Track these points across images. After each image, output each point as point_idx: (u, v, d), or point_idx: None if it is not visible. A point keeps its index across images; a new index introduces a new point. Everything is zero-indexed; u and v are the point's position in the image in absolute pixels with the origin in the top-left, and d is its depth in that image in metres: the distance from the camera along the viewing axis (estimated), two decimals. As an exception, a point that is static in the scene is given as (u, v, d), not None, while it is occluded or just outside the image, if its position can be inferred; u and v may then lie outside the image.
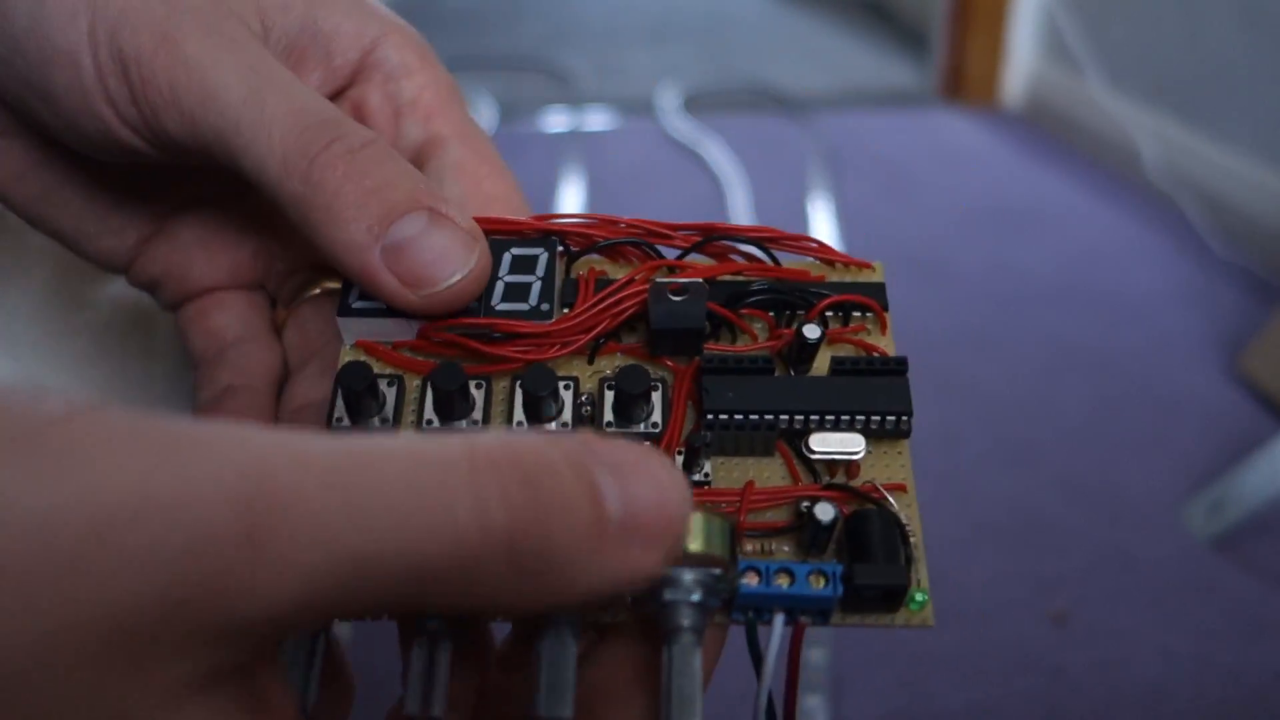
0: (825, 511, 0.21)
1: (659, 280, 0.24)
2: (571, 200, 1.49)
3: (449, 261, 0.22)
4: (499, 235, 0.25)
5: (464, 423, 0.23)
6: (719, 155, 1.60)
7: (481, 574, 0.16)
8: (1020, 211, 1.50)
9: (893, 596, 0.22)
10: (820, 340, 0.23)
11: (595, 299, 0.24)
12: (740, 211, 1.45)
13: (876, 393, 0.23)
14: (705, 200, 1.49)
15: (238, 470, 0.14)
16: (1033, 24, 1.82)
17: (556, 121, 1.77)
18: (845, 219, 1.44)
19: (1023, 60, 1.85)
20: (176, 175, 0.27)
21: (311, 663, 0.21)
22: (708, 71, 2.01)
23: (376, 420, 0.23)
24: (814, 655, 0.77)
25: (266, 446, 0.15)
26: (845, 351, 0.25)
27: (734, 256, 0.26)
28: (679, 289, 0.23)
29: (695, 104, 1.83)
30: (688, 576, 0.20)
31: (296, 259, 0.29)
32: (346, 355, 0.25)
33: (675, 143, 1.69)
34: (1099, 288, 1.30)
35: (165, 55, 0.22)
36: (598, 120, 1.79)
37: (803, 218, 1.44)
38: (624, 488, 0.17)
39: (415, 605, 0.16)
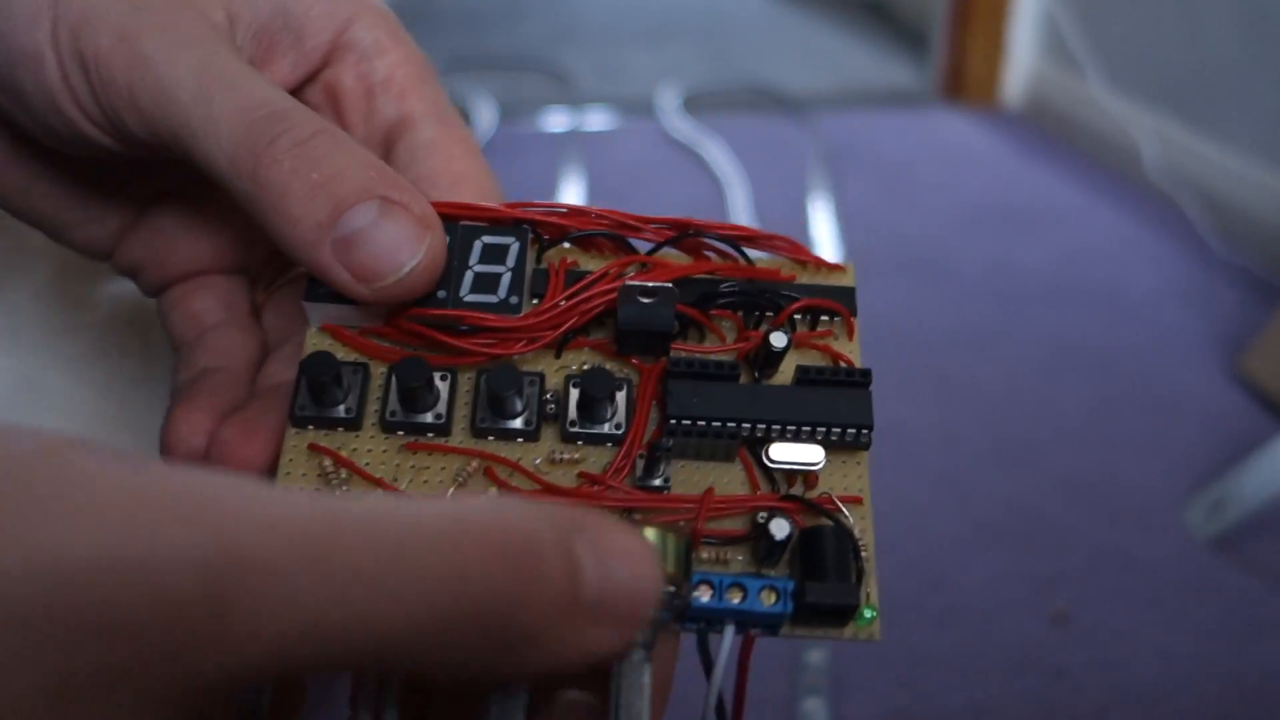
0: (780, 528, 0.21)
1: (629, 282, 0.24)
2: (571, 200, 1.49)
3: (399, 253, 0.22)
4: (471, 221, 0.25)
5: (429, 415, 0.23)
6: (719, 155, 1.60)
7: (450, 646, 0.15)
8: (1020, 211, 1.50)
9: (842, 613, 0.22)
10: (786, 348, 0.23)
11: (564, 295, 0.24)
12: (740, 211, 1.45)
13: (838, 405, 0.23)
14: (705, 200, 1.49)
15: (206, 532, 0.13)
16: (1033, 24, 1.82)
17: (556, 121, 1.77)
18: (845, 219, 1.44)
19: (1023, 60, 1.85)
20: (153, 166, 0.28)
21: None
22: (708, 71, 2.01)
23: (341, 409, 0.23)
24: (814, 656, 0.77)
25: (240, 505, 0.14)
26: (811, 358, 0.25)
27: (707, 253, 0.26)
28: (648, 291, 0.23)
29: (695, 104, 1.83)
30: None
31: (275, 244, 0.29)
32: (312, 339, 0.24)
33: (675, 143, 1.69)
34: (1099, 287, 1.30)
35: (123, 55, 0.22)
36: (598, 120, 1.79)
37: (803, 218, 1.44)
38: (602, 567, 0.17)
39: (377, 669, 0.16)
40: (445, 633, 0.15)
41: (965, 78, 1.88)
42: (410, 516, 0.15)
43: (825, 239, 1.38)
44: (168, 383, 0.35)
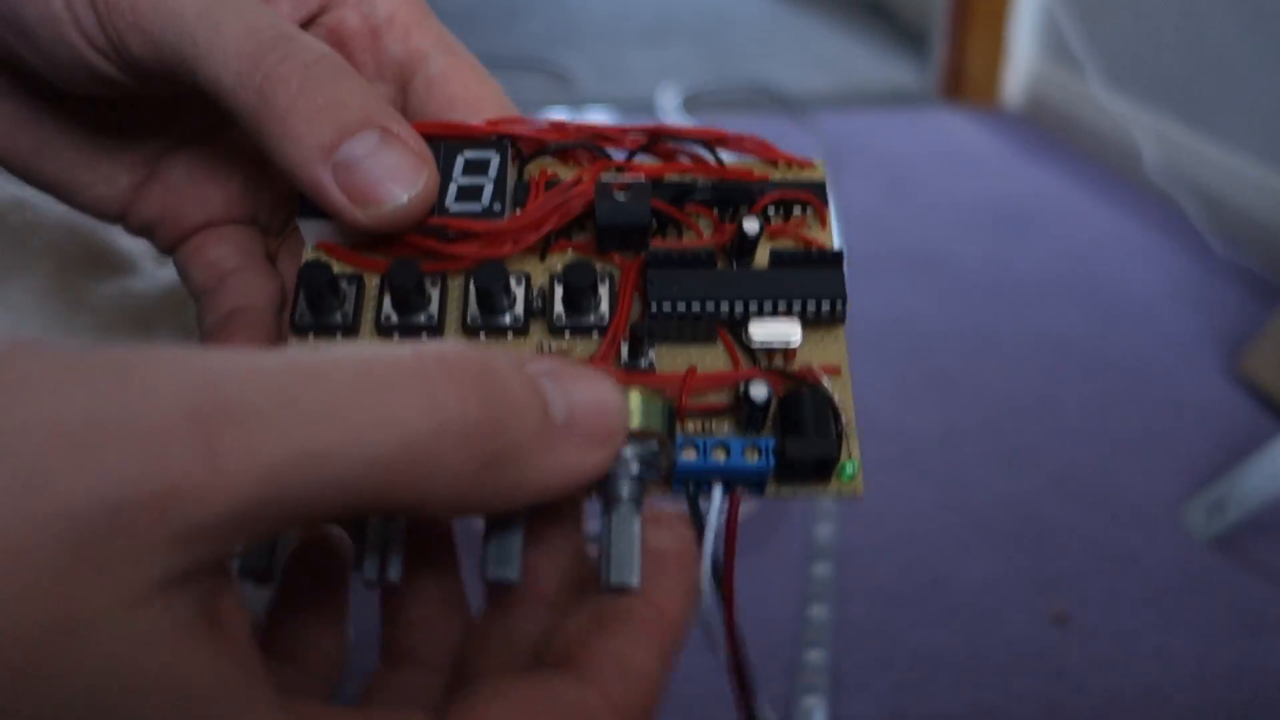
0: (759, 391, 0.22)
1: (604, 179, 0.25)
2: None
3: (398, 181, 0.23)
4: (452, 140, 0.25)
5: (421, 316, 0.24)
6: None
7: (437, 470, 0.16)
8: (1020, 211, 1.50)
9: (824, 467, 0.23)
10: (759, 234, 0.24)
11: (545, 198, 0.25)
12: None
13: (813, 282, 0.24)
14: (705, 200, 1.49)
15: (188, 385, 0.15)
16: (1033, 24, 1.82)
17: (556, 121, 1.77)
18: (845, 219, 1.44)
19: (1023, 60, 1.85)
20: (159, 114, 0.28)
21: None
22: (708, 71, 2.01)
23: (338, 315, 0.24)
24: (813, 656, 0.77)
25: (215, 361, 0.15)
26: (786, 246, 0.26)
27: (681, 158, 0.27)
28: (624, 187, 0.24)
29: (695, 104, 1.83)
30: (627, 451, 0.21)
31: (284, 190, 0.29)
32: (309, 257, 0.25)
33: (675, 143, 1.69)
34: (1099, 287, 1.30)
35: None
36: (598, 120, 1.78)
37: (803, 218, 1.44)
38: (566, 392, 0.18)
39: (374, 506, 0.16)
40: (426, 455, 0.16)
41: (965, 78, 1.88)
42: (380, 354, 0.17)
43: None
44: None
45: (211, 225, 0.29)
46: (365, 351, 0.17)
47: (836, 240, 0.27)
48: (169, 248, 0.30)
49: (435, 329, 0.24)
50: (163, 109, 0.28)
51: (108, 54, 0.23)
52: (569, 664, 0.20)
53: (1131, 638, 0.80)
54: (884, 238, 1.41)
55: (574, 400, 0.18)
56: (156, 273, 0.37)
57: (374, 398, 0.16)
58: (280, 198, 0.29)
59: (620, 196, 0.24)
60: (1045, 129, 1.77)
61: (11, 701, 0.14)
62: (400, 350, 0.17)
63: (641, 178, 0.25)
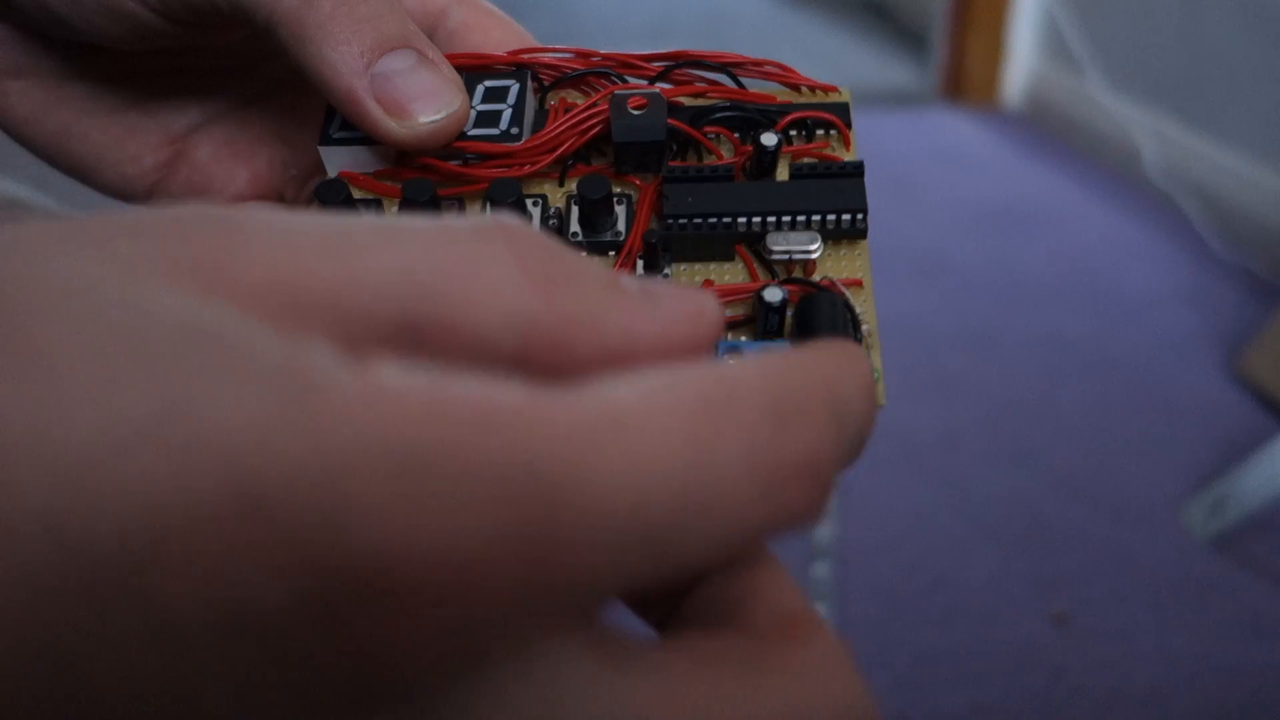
0: (773, 294, 0.22)
1: (618, 92, 0.24)
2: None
3: (436, 98, 0.23)
4: (472, 70, 0.26)
5: None
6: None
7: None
8: (1020, 211, 1.50)
9: None
10: (778, 147, 0.24)
11: (562, 119, 0.25)
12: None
13: (832, 193, 0.24)
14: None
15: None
16: (1033, 24, 1.82)
17: (556, 121, 1.77)
18: (845, 219, 1.44)
19: (1023, 60, 1.85)
20: (183, 89, 0.28)
21: None
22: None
23: None
24: (814, 655, 0.77)
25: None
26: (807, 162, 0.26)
27: (702, 85, 0.26)
28: (640, 103, 0.24)
29: (695, 104, 1.83)
30: None
31: (308, 166, 0.30)
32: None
33: (675, 143, 1.69)
34: (1099, 287, 1.30)
35: None
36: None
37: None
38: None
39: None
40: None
41: (965, 78, 1.88)
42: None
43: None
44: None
45: (239, 202, 0.29)
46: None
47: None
48: None
49: None
50: (187, 85, 0.28)
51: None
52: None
53: (1131, 638, 0.80)
54: (884, 238, 1.41)
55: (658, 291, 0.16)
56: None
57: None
58: (306, 174, 0.30)
59: (635, 111, 0.24)
60: (1045, 129, 1.77)
61: None
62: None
63: (656, 90, 0.24)
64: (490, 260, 0.14)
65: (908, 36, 2.22)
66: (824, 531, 0.88)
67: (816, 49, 2.20)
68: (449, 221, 0.14)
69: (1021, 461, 0.99)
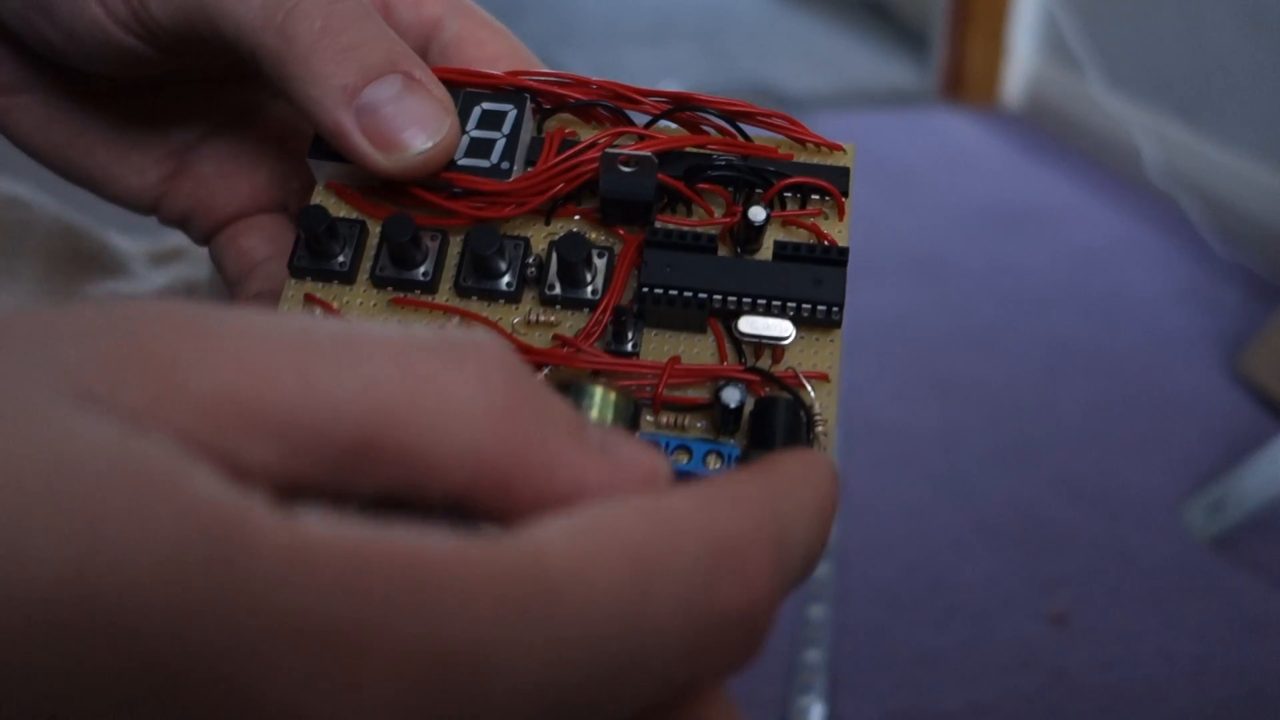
0: (731, 396, 0.21)
1: (610, 150, 0.24)
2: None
3: (422, 128, 0.22)
4: (471, 88, 0.25)
5: (416, 272, 0.24)
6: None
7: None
8: (1020, 211, 1.50)
9: None
10: (765, 223, 0.23)
11: (553, 161, 0.24)
12: (740, 211, 1.45)
13: (811, 281, 0.23)
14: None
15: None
16: (1033, 24, 1.82)
17: (556, 121, 1.77)
18: (845, 219, 1.44)
19: (1023, 60, 1.85)
20: (184, 106, 0.29)
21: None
22: (707, 71, 2.01)
23: (337, 262, 0.24)
24: (812, 655, 0.77)
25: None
26: (799, 237, 0.25)
27: (705, 129, 0.26)
28: (629, 160, 0.23)
29: (695, 104, 1.83)
30: None
31: (309, 177, 0.30)
32: (318, 197, 0.25)
33: (675, 142, 1.69)
34: (1099, 287, 1.30)
35: None
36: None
37: (802, 217, 1.44)
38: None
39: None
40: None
41: (965, 78, 1.88)
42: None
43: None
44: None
45: (243, 216, 0.29)
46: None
47: (849, 235, 0.26)
48: (204, 239, 0.30)
49: (429, 286, 0.24)
50: (187, 99, 0.29)
51: (130, 26, 0.23)
52: None
53: (1131, 638, 0.80)
54: (884, 238, 1.41)
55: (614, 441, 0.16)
56: (149, 275, 0.37)
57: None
58: (308, 183, 0.30)
59: (625, 169, 0.23)
60: (1045, 129, 1.77)
61: None
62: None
63: (649, 154, 0.24)
64: (456, 384, 0.14)
65: (907, 36, 2.22)
66: (824, 531, 0.88)
67: (816, 49, 2.20)
68: (418, 334, 0.14)
69: (1021, 461, 0.99)
